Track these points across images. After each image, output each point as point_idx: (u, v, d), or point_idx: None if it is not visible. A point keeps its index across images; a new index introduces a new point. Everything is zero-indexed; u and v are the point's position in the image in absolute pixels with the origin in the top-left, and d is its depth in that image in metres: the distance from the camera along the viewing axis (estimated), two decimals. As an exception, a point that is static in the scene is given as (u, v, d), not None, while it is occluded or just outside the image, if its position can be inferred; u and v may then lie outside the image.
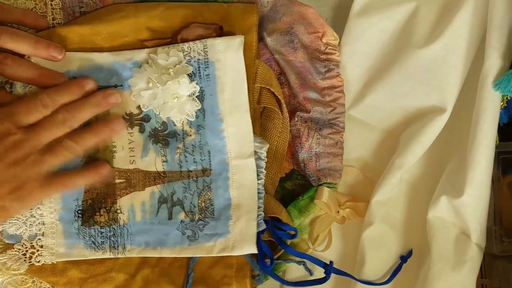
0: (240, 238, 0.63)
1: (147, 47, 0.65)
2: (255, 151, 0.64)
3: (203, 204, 0.64)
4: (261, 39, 0.68)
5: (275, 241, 0.65)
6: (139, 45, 0.65)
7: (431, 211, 0.65)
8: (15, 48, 0.62)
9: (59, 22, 0.66)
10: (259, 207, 0.63)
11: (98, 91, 0.62)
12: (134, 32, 0.65)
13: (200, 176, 0.64)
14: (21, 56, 0.63)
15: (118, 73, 0.64)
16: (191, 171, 0.64)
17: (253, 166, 0.64)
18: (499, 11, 0.62)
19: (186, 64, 0.63)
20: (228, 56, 0.63)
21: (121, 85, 0.64)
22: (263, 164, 0.64)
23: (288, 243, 0.66)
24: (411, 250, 0.67)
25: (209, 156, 0.64)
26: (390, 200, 0.67)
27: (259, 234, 0.63)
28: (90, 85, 0.61)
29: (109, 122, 0.62)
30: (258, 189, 0.64)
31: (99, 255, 0.64)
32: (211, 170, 0.64)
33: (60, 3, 0.66)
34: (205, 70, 0.64)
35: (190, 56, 0.64)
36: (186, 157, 0.64)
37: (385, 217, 0.67)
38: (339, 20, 0.69)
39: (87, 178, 0.62)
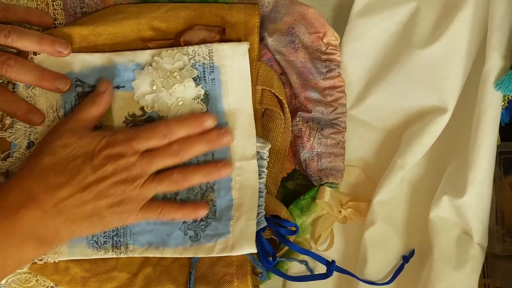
0: (240, 238, 0.63)
1: (149, 48, 0.65)
2: (257, 151, 0.64)
3: None
4: (262, 39, 0.68)
5: (277, 238, 0.65)
6: (140, 46, 0.65)
7: (433, 211, 0.65)
8: (21, 46, 0.63)
9: (61, 22, 0.66)
10: (260, 206, 0.63)
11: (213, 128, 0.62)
12: (135, 33, 0.65)
13: None
14: (24, 57, 0.64)
15: (120, 74, 0.64)
16: None
17: (255, 167, 0.64)
18: (500, 11, 0.62)
19: (191, 68, 0.64)
20: (234, 62, 0.64)
21: (123, 86, 0.64)
22: (265, 163, 0.65)
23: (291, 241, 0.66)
24: (413, 250, 0.67)
25: (213, 158, 0.64)
26: (392, 200, 0.67)
27: (260, 231, 0.63)
28: (209, 122, 0.62)
29: (219, 166, 0.62)
30: (259, 188, 0.64)
31: (101, 254, 0.63)
32: None
33: (62, 4, 0.66)
34: (210, 75, 0.64)
35: (195, 60, 0.64)
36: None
37: (387, 217, 0.67)
38: (340, 20, 0.70)
39: (185, 215, 0.63)
